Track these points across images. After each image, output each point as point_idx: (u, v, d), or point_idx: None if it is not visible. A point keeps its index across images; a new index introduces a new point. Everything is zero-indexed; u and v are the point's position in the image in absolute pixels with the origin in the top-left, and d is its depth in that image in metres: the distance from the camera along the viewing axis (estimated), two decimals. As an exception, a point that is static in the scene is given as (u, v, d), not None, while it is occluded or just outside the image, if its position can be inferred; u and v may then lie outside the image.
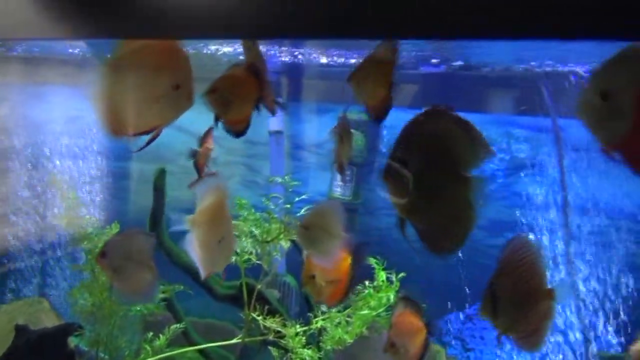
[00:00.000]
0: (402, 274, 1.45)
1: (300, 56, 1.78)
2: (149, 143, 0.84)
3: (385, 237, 2.08)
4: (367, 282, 1.44)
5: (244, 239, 1.37)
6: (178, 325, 1.57)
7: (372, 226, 1.93)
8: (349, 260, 1.11)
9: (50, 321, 1.98)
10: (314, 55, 1.66)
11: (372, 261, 1.44)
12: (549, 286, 0.81)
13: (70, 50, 1.55)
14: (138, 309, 1.57)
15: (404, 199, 0.58)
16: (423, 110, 0.59)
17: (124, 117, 0.84)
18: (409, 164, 0.57)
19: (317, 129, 1.99)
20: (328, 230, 1.11)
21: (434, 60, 1.51)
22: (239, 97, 0.91)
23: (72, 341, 1.65)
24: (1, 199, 1.82)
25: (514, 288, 0.79)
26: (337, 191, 1.86)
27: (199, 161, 1.26)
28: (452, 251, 0.64)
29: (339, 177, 1.86)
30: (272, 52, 1.78)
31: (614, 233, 1.74)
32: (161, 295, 1.57)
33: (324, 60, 1.75)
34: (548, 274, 0.83)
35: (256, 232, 1.38)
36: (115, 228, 1.64)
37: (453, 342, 1.97)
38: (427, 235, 0.62)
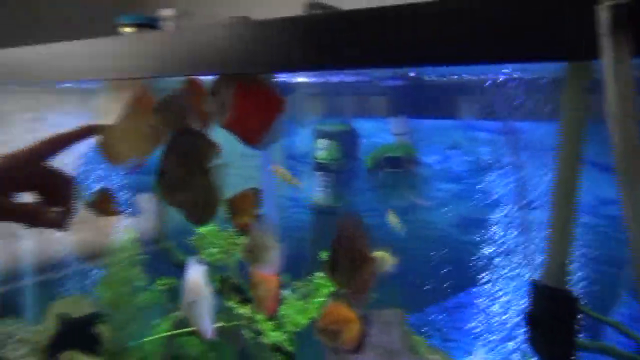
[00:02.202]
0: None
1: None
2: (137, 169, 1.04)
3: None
4: (318, 274, 1.66)
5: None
6: (176, 313, 1.88)
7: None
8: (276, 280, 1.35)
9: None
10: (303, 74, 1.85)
11: (324, 255, 1.65)
12: (372, 256, 1.02)
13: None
14: (141, 300, 1.89)
15: (166, 196, 0.86)
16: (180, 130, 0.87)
17: (120, 148, 1.05)
18: (166, 172, 0.87)
19: (303, 141, 2.23)
20: (265, 246, 1.35)
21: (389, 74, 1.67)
22: None
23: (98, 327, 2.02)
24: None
25: (346, 254, 1.00)
26: (319, 196, 2.08)
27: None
28: (207, 221, 0.93)
29: (319, 182, 2.09)
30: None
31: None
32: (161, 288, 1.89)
33: (302, 79, 1.96)
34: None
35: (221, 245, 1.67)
36: (132, 234, 1.99)
37: (433, 334, 2.11)
38: (189, 214, 0.92)
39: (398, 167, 1.97)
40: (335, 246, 1.03)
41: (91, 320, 2.03)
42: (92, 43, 1.02)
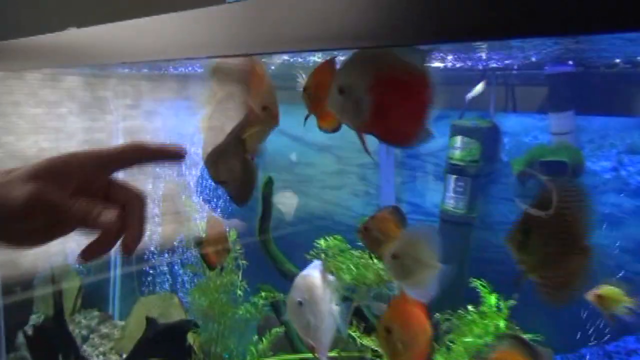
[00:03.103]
0: (511, 301, 1.29)
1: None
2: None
3: (504, 255, 1.86)
4: (470, 307, 1.31)
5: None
6: (278, 329, 1.60)
7: (489, 243, 1.76)
8: (427, 322, 1.03)
9: (178, 315, 2.16)
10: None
11: (477, 283, 1.31)
12: (588, 243, 0.71)
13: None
14: (241, 312, 1.63)
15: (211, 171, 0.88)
16: None
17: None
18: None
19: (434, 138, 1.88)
20: (421, 260, 1.04)
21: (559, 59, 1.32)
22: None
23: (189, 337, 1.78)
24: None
25: (549, 227, 0.71)
26: (450, 203, 1.73)
27: None
28: (247, 199, 0.93)
29: (451, 187, 1.73)
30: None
31: None
32: (264, 301, 1.61)
33: (437, 64, 1.66)
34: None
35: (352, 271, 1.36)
36: (233, 235, 1.73)
37: (587, 381, 1.71)
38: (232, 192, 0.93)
39: (559, 174, 1.59)
40: (533, 215, 0.74)
41: (182, 328, 1.81)
42: (184, 15, 0.76)
